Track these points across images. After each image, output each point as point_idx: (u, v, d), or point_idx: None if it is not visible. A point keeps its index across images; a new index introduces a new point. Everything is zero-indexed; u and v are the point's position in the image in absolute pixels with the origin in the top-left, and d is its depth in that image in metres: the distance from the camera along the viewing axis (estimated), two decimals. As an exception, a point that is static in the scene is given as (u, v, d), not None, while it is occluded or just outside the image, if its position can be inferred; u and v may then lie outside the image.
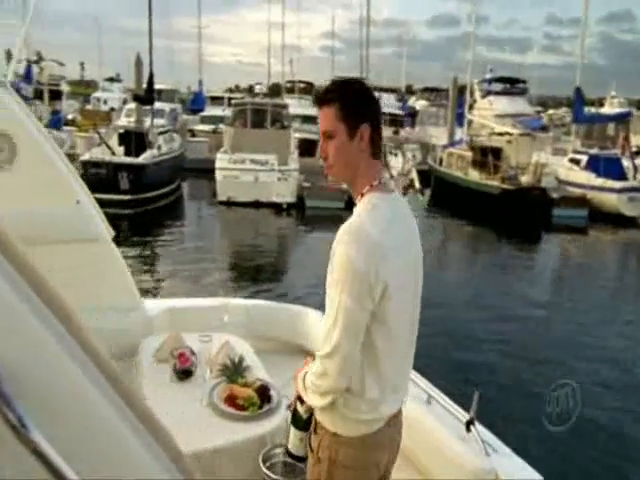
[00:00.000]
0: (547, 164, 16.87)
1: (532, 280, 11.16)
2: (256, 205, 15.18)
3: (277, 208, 15.19)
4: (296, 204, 15.50)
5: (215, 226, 15.45)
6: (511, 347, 7.14)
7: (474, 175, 16.43)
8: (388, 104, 24.70)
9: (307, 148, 22.05)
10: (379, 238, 1.36)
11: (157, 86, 23.18)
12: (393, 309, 1.41)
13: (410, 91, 47.70)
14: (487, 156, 16.21)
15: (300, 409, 1.50)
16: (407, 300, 1.48)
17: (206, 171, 16.46)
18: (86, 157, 14.86)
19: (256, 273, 10.96)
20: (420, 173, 16.94)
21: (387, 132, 22.85)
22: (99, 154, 14.83)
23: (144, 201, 14.65)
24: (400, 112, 26.38)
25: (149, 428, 0.66)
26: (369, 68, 20.85)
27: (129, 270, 2.95)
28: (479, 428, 2.16)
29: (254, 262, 11.56)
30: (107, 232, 2.84)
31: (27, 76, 19.42)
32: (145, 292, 9.19)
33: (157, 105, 20.06)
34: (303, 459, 1.53)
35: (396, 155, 17.05)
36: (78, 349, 0.58)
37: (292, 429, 1.52)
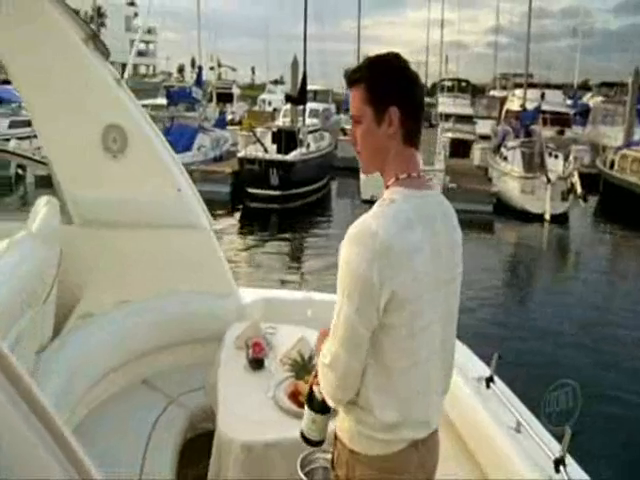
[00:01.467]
0: None
1: None
2: (399, 205, 15.01)
3: (420, 209, 14.89)
4: (441, 206, 15.04)
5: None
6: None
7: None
8: (552, 101, 22.73)
9: (459, 148, 21.32)
10: (388, 240, 1.17)
11: (312, 87, 24.10)
12: (407, 323, 1.22)
13: (586, 87, 43.66)
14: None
15: (316, 388, 1.36)
16: (429, 315, 1.26)
17: (355, 169, 16.70)
18: (242, 154, 15.97)
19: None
20: (587, 177, 15.39)
21: (550, 132, 21.07)
22: (253, 151, 15.81)
23: (292, 197, 15.31)
24: (566, 110, 24.17)
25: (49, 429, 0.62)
26: (540, 63, 19.46)
27: (225, 257, 3.04)
28: (571, 468, 1.85)
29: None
30: (207, 221, 2.94)
31: (198, 81, 21.42)
32: (287, 284, 9.67)
33: (311, 105, 20.87)
34: (315, 443, 1.41)
35: (557, 157, 15.64)
36: None
37: (306, 409, 1.41)
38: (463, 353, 2.91)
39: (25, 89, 2.75)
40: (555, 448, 1.88)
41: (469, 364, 2.64)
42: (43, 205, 2.40)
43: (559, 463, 1.83)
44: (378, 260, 1.16)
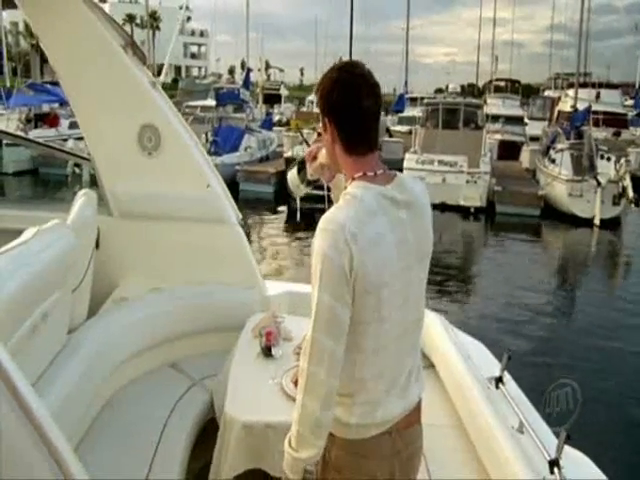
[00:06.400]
0: None
1: None
2: (442, 208, 14.81)
3: (464, 212, 14.62)
4: (485, 209, 14.75)
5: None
6: None
7: None
8: (607, 102, 21.90)
9: (508, 150, 20.86)
10: (353, 229, 1.27)
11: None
12: (374, 306, 1.31)
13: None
14: None
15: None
16: (395, 299, 1.35)
17: (400, 171, 16.62)
18: (288, 154, 16.28)
19: (436, 279, 10.75)
20: (640, 180, 14.80)
21: (604, 133, 20.35)
22: (300, 152, 16.06)
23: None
24: (622, 111, 23.21)
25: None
26: (600, 62, 18.79)
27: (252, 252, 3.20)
28: (568, 470, 1.89)
29: (435, 267, 11.32)
30: (235, 216, 3.11)
31: (246, 82, 21.90)
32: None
33: (357, 107, 20.89)
34: None
35: (609, 159, 15.08)
36: None
37: None
38: (478, 351, 2.96)
39: (71, 92, 3.00)
40: (554, 449, 1.91)
41: (482, 362, 2.69)
42: (80, 197, 2.63)
43: (554, 464, 1.86)
44: (347, 249, 1.26)
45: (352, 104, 1.33)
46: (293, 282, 3.69)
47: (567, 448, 2.20)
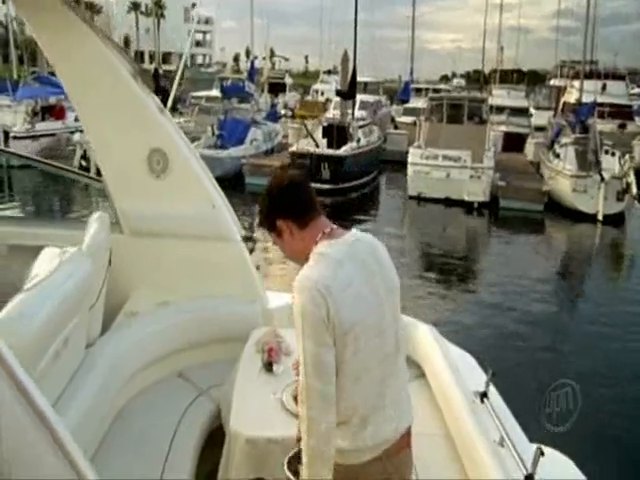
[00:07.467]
0: None
1: None
2: (446, 202, 14.94)
3: (467, 207, 14.72)
4: (488, 204, 14.85)
5: (404, 220, 15.65)
6: None
7: None
8: (613, 93, 21.74)
9: (512, 142, 20.83)
10: (326, 282, 1.48)
11: (363, 79, 23.96)
12: (352, 341, 1.50)
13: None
14: None
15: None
16: (369, 331, 1.55)
17: (403, 163, 16.72)
18: (294, 148, 16.35)
19: (440, 272, 10.90)
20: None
21: (610, 125, 20.22)
22: (305, 145, 16.15)
23: (342, 191, 15.59)
24: (628, 102, 22.98)
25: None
26: (607, 48, 18.60)
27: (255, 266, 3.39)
28: (548, 470, 2.05)
29: (439, 262, 11.45)
30: (238, 233, 3.29)
31: (250, 75, 21.96)
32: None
33: (361, 97, 20.92)
34: None
35: (613, 154, 15.07)
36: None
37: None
38: (467, 363, 3.12)
39: (84, 117, 3.18)
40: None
41: (469, 375, 2.85)
42: (94, 221, 2.80)
43: (528, 479, 2.04)
44: (322, 298, 1.47)
45: (291, 199, 1.64)
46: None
47: (549, 450, 2.38)
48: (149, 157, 3.11)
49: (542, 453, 2.02)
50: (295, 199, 1.64)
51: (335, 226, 1.65)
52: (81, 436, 1.13)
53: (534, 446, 2.15)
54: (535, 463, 2.03)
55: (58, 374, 2.21)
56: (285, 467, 1.86)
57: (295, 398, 2.37)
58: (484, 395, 2.55)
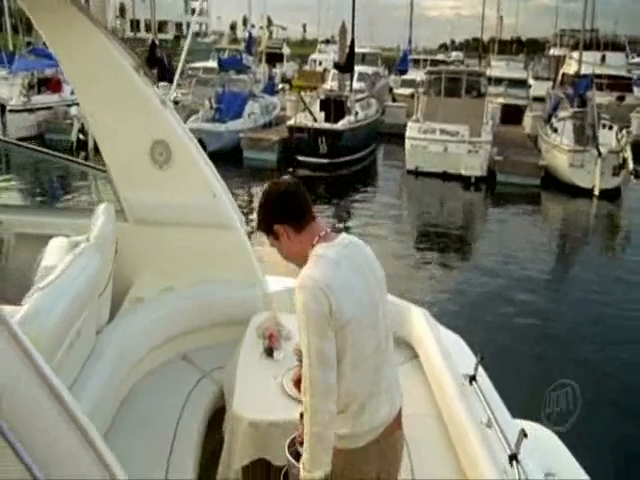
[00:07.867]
0: None
1: None
2: (443, 177, 14.99)
3: (465, 181, 14.77)
4: (486, 178, 14.90)
5: (402, 194, 15.72)
6: None
7: None
8: (612, 65, 21.48)
9: (511, 115, 20.72)
10: (327, 281, 1.62)
11: (361, 50, 23.53)
12: (351, 333, 1.65)
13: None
14: None
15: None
16: (365, 327, 1.70)
17: (401, 136, 16.69)
18: (291, 122, 16.27)
19: (437, 247, 11.05)
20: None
21: (608, 98, 20.04)
22: (302, 119, 16.08)
23: (340, 165, 15.60)
24: (627, 74, 22.69)
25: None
26: (607, 15, 18.25)
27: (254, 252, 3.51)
28: (525, 463, 2.19)
29: (436, 236, 11.58)
30: (239, 221, 3.40)
31: (248, 48, 21.67)
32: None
33: (359, 68, 20.67)
34: None
35: (611, 128, 15.01)
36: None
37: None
38: (457, 346, 3.27)
39: (88, 109, 3.25)
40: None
41: (460, 357, 3.00)
42: (101, 213, 2.91)
43: (512, 458, 2.19)
44: (323, 296, 1.61)
45: (288, 205, 1.76)
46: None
47: (535, 425, 2.52)
48: (152, 149, 3.20)
49: (525, 435, 2.18)
50: (292, 205, 1.76)
51: (329, 229, 1.79)
52: (93, 422, 1.23)
53: (520, 425, 2.31)
54: (518, 444, 2.19)
55: (71, 364, 2.36)
56: (286, 450, 2.00)
57: (295, 382, 2.52)
58: (473, 378, 2.71)
